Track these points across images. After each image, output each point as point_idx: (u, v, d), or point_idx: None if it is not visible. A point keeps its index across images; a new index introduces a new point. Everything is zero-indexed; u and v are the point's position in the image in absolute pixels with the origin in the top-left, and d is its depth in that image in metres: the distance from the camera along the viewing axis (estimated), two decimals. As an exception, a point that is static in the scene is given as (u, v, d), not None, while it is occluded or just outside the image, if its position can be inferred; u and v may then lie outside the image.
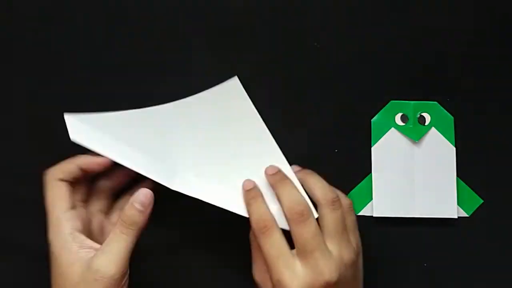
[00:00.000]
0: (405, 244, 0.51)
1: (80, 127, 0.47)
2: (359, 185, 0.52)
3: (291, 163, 0.50)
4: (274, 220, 0.43)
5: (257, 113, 0.49)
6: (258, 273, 0.45)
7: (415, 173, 0.51)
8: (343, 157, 0.52)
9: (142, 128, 0.49)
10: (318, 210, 0.44)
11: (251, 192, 0.45)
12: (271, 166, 0.46)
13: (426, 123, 0.52)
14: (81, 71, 0.53)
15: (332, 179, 0.51)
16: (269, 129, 0.50)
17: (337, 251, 0.42)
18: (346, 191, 0.51)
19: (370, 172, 0.52)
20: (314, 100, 0.53)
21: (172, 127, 0.50)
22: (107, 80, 0.53)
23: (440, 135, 0.52)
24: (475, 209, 0.51)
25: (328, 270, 0.41)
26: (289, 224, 0.43)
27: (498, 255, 0.51)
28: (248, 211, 0.44)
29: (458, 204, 0.51)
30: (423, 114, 0.52)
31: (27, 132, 0.52)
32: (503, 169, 0.52)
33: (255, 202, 0.44)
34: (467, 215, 0.51)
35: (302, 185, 0.46)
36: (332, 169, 0.52)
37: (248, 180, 0.46)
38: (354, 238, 0.45)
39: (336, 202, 0.43)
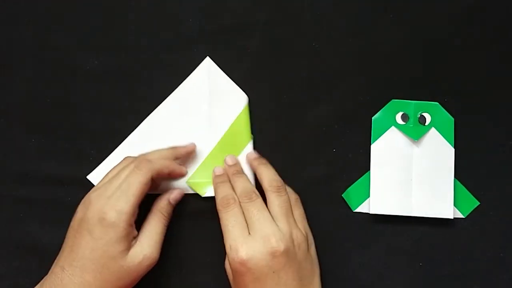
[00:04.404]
0: (400, 242, 0.52)
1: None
2: (357, 181, 0.52)
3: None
4: (236, 199, 0.47)
5: (236, 86, 0.53)
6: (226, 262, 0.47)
7: (413, 172, 0.51)
8: (343, 153, 0.52)
9: (152, 142, 0.52)
10: (266, 197, 0.47)
11: (220, 177, 0.50)
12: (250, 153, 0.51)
13: (427, 123, 0.52)
14: (81, 71, 0.53)
15: (331, 174, 0.52)
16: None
17: (285, 228, 0.45)
18: (344, 187, 0.52)
19: (369, 169, 0.52)
20: (316, 94, 0.53)
21: (172, 126, 0.52)
22: (107, 80, 0.53)
23: (440, 135, 0.52)
24: (471, 210, 0.52)
25: (275, 239, 0.44)
26: (241, 206, 0.47)
27: (492, 257, 0.51)
28: (215, 192, 0.49)
29: (455, 205, 0.51)
30: (424, 114, 0.52)
31: (27, 132, 0.53)
32: (501, 172, 0.52)
33: (223, 185, 0.49)
34: (463, 216, 0.52)
35: (254, 173, 0.51)
36: (331, 165, 0.52)
37: (218, 167, 0.51)
38: (302, 227, 0.47)
39: (280, 189, 0.47)
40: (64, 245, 0.45)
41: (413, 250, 0.52)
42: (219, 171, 0.51)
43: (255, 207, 0.46)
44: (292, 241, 0.45)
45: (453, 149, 0.52)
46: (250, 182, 0.49)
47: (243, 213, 0.46)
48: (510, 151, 0.53)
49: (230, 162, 0.51)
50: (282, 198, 0.47)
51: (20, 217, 0.52)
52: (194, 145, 0.51)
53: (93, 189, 0.47)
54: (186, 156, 0.51)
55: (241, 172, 0.50)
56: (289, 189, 0.49)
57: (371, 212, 0.51)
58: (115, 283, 0.44)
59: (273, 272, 0.43)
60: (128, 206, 0.44)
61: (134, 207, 0.45)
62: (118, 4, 0.54)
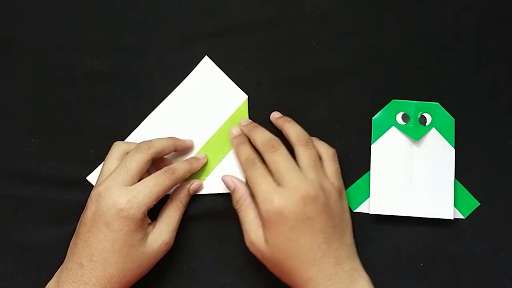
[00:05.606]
0: (400, 242, 0.52)
1: None
2: (357, 181, 0.52)
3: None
4: (258, 157, 0.48)
5: (234, 84, 0.53)
6: (251, 231, 0.47)
7: (414, 172, 0.51)
8: (343, 153, 0.52)
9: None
10: (294, 152, 0.48)
11: (239, 138, 0.50)
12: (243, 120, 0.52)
13: (427, 124, 0.52)
14: (81, 71, 0.53)
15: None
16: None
17: (313, 178, 0.46)
18: (344, 187, 0.52)
19: (369, 169, 0.52)
20: (316, 94, 0.53)
21: (172, 126, 0.53)
22: (107, 80, 0.53)
23: (440, 136, 0.52)
24: (471, 211, 0.52)
25: (304, 187, 0.44)
26: (264, 158, 0.47)
27: (492, 257, 0.51)
28: (237, 154, 0.50)
29: (455, 205, 0.51)
30: (425, 114, 0.52)
31: (27, 132, 0.53)
32: (501, 172, 0.52)
33: (244, 145, 0.50)
34: (463, 217, 0.52)
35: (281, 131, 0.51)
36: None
37: (235, 127, 0.51)
38: (336, 181, 0.48)
39: (308, 142, 0.48)
40: (76, 241, 0.45)
41: (413, 250, 0.52)
42: (236, 131, 0.51)
43: (281, 156, 0.46)
44: (322, 190, 0.45)
45: (454, 150, 0.51)
46: (269, 132, 0.49)
47: (269, 165, 0.47)
48: (510, 151, 0.53)
49: (245, 123, 0.51)
50: (310, 151, 0.47)
51: (20, 217, 0.52)
52: (192, 142, 0.52)
53: (99, 182, 0.47)
54: (184, 149, 0.52)
55: (258, 125, 0.50)
56: (325, 145, 0.50)
57: (371, 212, 0.51)
58: (136, 270, 0.45)
59: (308, 219, 0.44)
60: (142, 195, 0.45)
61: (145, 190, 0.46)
62: (118, 4, 0.54)
